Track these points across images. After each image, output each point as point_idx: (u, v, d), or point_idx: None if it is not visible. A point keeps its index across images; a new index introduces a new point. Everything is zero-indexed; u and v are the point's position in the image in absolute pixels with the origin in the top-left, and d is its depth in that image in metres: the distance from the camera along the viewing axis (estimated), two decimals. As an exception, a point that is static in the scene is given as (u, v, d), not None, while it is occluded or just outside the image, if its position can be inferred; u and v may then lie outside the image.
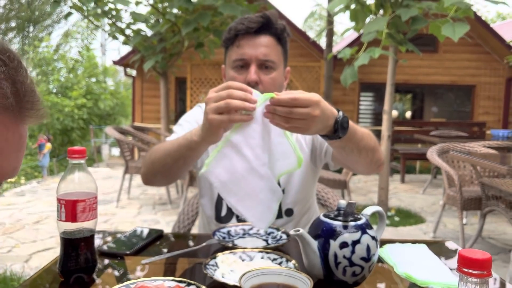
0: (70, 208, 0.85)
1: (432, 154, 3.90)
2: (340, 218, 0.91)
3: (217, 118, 0.94)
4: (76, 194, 0.86)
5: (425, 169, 9.01)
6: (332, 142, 1.07)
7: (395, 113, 11.35)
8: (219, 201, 1.41)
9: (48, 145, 13.00)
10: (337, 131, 1.00)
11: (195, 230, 1.65)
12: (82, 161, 0.88)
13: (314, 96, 0.93)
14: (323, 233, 0.90)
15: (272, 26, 1.30)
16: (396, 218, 4.84)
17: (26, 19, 22.79)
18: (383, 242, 1.20)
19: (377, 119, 11.03)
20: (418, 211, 5.31)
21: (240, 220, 1.38)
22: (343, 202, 0.94)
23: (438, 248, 1.18)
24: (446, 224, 4.74)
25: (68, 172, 0.87)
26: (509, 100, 10.11)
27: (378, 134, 9.12)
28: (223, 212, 1.41)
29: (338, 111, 1.01)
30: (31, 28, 23.65)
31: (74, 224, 0.85)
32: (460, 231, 3.65)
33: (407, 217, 4.94)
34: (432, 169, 6.76)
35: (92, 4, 5.43)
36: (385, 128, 4.84)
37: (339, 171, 4.84)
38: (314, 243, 0.89)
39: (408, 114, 13.19)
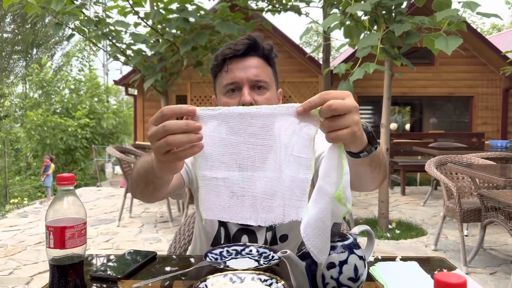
0: (58, 235, 0.86)
1: (430, 166, 3.90)
2: (327, 238, 0.92)
3: (164, 159, 0.82)
4: (65, 221, 0.87)
5: (426, 181, 9.00)
6: (363, 160, 0.93)
7: (394, 125, 11.38)
8: (224, 225, 1.39)
9: (52, 166, 13.06)
10: (372, 140, 0.88)
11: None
12: (71, 187, 0.89)
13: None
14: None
15: (259, 47, 1.30)
16: (397, 231, 4.82)
17: (30, 42, 23.10)
18: (384, 257, 1.20)
19: (376, 132, 11.01)
20: (419, 223, 5.28)
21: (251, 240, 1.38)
22: (329, 222, 0.95)
23: (429, 265, 1.18)
24: (448, 236, 4.72)
25: (56, 198, 0.88)
26: (507, 110, 10.14)
27: (378, 147, 9.16)
28: (233, 231, 1.39)
29: None
30: (35, 51, 23.98)
31: (62, 250, 0.87)
32: (460, 243, 3.63)
33: (408, 229, 4.92)
34: (432, 180, 6.75)
35: (93, 26, 5.51)
36: (383, 141, 4.86)
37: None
38: (302, 264, 0.90)
39: (408, 126, 13.21)
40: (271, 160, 0.86)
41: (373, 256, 1.19)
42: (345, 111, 0.77)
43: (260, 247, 1.25)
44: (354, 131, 0.78)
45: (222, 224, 1.39)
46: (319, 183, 0.81)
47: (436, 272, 0.57)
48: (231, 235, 1.39)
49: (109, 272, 1.07)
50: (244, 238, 1.38)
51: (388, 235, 4.71)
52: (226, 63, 1.28)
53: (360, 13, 4.02)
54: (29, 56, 23.75)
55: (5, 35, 22.43)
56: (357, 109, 0.79)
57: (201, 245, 1.47)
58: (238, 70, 1.26)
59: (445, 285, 0.55)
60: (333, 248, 0.89)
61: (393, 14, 3.95)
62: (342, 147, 0.81)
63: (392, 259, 1.19)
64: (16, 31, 22.85)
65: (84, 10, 5.41)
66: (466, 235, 4.57)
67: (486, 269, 3.68)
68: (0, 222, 5.75)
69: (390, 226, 4.97)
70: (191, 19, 5.21)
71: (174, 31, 5.54)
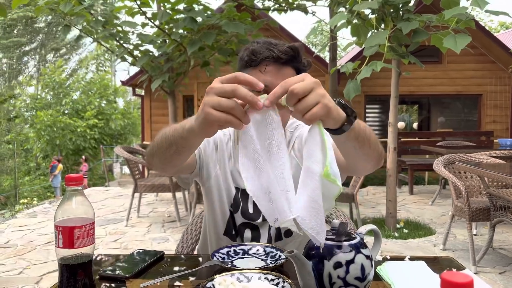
0: (67, 235, 0.87)
1: (439, 165, 3.88)
2: (334, 237, 0.92)
3: (215, 114, 0.81)
4: (73, 221, 0.88)
5: (434, 180, 8.95)
6: (348, 135, 0.91)
7: (402, 124, 11.33)
8: (232, 215, 1.42)
9: (60, 166, 13.17)
10: (350, 113, 0.88)
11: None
12: (79, 187, 0.90)
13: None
14: (317, 253, 0.90)
15: (298, 60, 1.32)
16: (405, 230, 4.80)
17: (42, 44, 23.31)
18: (392, 257, 1.20)
19: (384, 131, 11.00)
20: (428, 223, 5.26)
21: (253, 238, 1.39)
22: (336, 222, 0.95)
23: (438, 264, 1.18)
24: (456, 235, 4.69)
25: (65, 199, 0.89)
26: (516, 108, 10.06)
27: (385, 146, 9.15)
28: (238, 223, 1.42)
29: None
30: (48, 53, 24.20)
31: (71, 250, 0.88)
32: (469, 242, 3.61)
33: (416, 229, 4.89)
34: (441, 179, 6.70)
35: (101, 27, 5.55)
36: (390, 140, 4.83)
37: (347, 184, 4.82)
38: (309, 264, 0.90)
39: (415, 125, 13.14)
40: (275, 158, 0.86)
41: (381, 256, 1.19)
42: (308, 90, 0.79)
43: (267, 246, 1.26)
44: (325, 103, 0.80)
45: (231, 216, 1.42)
46: (305, 164, 0.81)
47: (444, 272, 0.56)
48: (236, 227, 1.42)
49: (117, 272, 1.08)
50: (247, 233, 1.40)
51: (396, 234, 4.69)
52: (263, 62, 1.29)
53: (367, 11, 4.00)
54: (42, 58, 23.99)
55: (14, 38, 22.70)
56: (319, 83, 0.81)
57: (210, 236, 1.49)
58: (273, 76, 1.28)
59: (451, 284, 0.55)
60: (339, 247, 0.89)
61: (401, 12, 3.94)
62: (320, 124, 0.82)
63: (401, 258, 1.18)
64: (23, 31, 23.07)
65: (92, 12, 5.45)
66: (475, 235, 4.54)
67: (495, 268, 3.66)
68: (10, 222, 5.81)
69: (398, 226, 4.95)
70: (198, 19, 5.22)
71: (181, 31, 5.55)
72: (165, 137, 1.07)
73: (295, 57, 1.30)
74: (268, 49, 1.28)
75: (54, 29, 23.26)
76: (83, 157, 14.24)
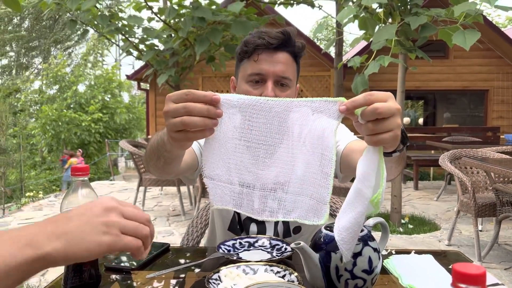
0: (74, 225, 0.86)
1: (444, 160, 3.86)
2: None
3: (176, 137, 0.83)
4: (80, 211, 0.87)
5: (439, 176, 8.91)
6: (391, 158, 0.88)
7: (407, 119, 11.27)
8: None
9: (71, 161, 13.15)
10: (404, 139, 0.85)
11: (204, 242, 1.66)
12: (85, 178, 0.90)
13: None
14: (324, 245, 0.90)
15: (291, 43, 1.29)
16: (410, 226, 4.78)
17: (50, 40, 23.36)
18: (398, 251, 1.19)
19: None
20: (433, 218, 5.24)
21: (259, 231, 1.39)
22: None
23: (444, 258, 1.17)
24: (461, 231, 4.67)
25: (71, 189, 0.89)
26: (523, 104, 9.97)
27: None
28: (243, 217, 1.41)
29: None
30: (52, 48, 24.27)
31: (78, 240, 0.87)
32: (475, 238, 3.59)
33: (421, 224, 4.88)
34: (446, 175, 6.67)
35: (107, 22, 5.54)
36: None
37: (352, 179, 4.81)
38: (316, 256, 0.89)
39: (421, 121, 13.08)
40: (283, 150, 0.87)
41: (386, 250, 1.18)
42: (389, 115, 0.75)
43: (273, 239, 1.25)
44: (397, 134, 0.77)
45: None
46: (357, 185, 0.79)
47: (456, 263, 0.55)
48: (241, 222, 1.40)
49: (123, 263, 1.08)
50: (253, 227, 1.39)
51: (401, 229, 4.68)
52: (256, 52, 1.27)
53: (375, 5, 3.97)
54: (47, 53, 24.07)
55: (22, 32, 22.80)
56: (400, 112, 0.77)
57: (218, 230, 1.49)
58: (267, 63, 1.26)
59: (464, 275, 0.54)
60: (347, 240, 0.88)
61: (409, 6, 3.90)
62: (381, 151, 0.79)
63: (406, 253, 1.17)
64: (30, 29, 23.16)
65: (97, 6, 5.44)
66: (480, 230, 4.52)
67: (501, 264, 3.64)
68: (16, 215, 5.84)
69: (403, 221, 4.93)
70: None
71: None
72: (153, 149, 1.06)
73: (287, 41, 1.28)
74: (259, 37, 1.27)
75: (60, 22, 23.32)
76: (80, 150, 14.12)
